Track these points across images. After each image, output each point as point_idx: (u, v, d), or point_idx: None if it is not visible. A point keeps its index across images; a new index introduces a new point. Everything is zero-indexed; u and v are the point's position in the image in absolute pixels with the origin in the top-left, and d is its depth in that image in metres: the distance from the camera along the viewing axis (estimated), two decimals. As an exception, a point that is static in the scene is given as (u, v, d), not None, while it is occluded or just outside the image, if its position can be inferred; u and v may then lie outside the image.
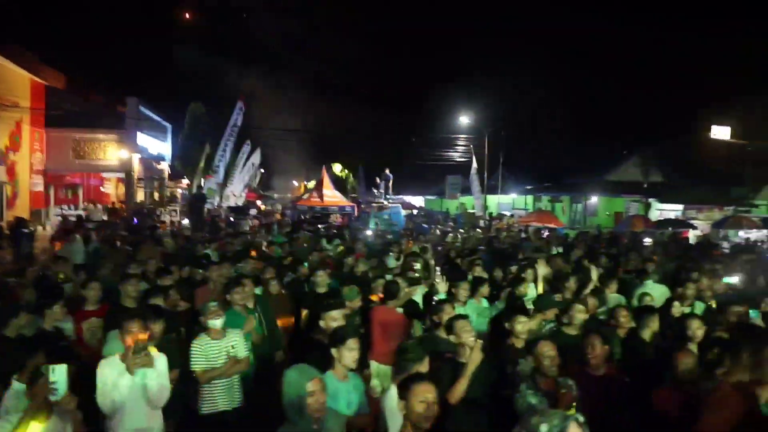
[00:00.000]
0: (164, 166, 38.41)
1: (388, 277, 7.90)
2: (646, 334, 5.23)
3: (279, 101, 44.84)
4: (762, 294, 7.18)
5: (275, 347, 6.52)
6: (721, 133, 31.89)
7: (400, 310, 6.56)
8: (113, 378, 3.90)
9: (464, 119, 34.47)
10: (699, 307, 6.85)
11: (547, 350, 3.94)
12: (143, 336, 4.10)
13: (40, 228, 24.30)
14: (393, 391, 3.84)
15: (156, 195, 36.69)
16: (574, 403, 3.81)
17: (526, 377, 4.09)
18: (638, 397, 4.11)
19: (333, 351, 3.93)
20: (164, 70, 43.71)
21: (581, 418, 2.07)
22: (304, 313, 6.98)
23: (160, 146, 36.61)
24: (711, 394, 3.44)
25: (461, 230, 22.81)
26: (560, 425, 2.02)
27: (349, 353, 3.90)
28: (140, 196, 33.63)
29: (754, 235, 21.50)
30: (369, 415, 4.05)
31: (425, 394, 3.05)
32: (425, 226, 26.37)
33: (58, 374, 3.37)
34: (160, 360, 4.18)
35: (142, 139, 31.68)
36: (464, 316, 4.74)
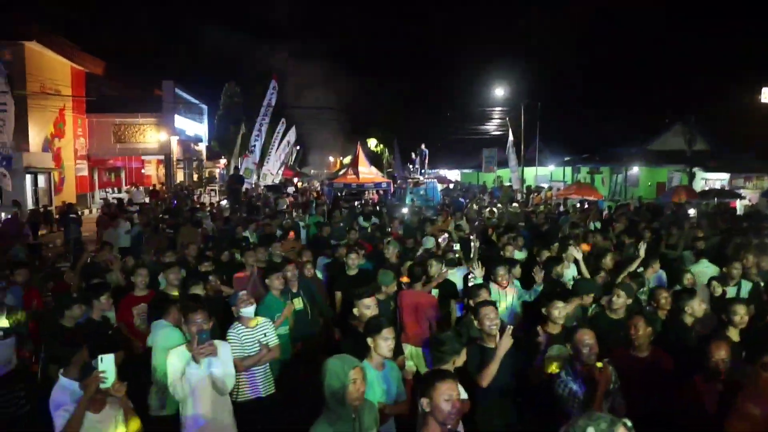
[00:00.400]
0: (202, 147, 39.09)
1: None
2: (686, 317, 5.11)
3: (312, 78, 44.85)
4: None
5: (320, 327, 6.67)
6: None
7: (435, 291, 6.58)
8: (182, 367, 4.02)
9: (499, 91, 33.82)
10: (745, 287, 6.63)
11: (587, 339, 3.88)
12: (207, 326, 4.21)
13: (86, 211, 25.16)
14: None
15: (195, 176, 37.44)
16: (613, 385, 3.78)
17: (562, 363, 4.06)
18: (679, 381, 4.04)
19: (368, 340, 3.94)
20: (198, 51, 44.13)
21: (629, 423, 2.04)
22: (339, 296, 7.06)
23: (197, 127, 37.26)
24: (747, 383, 3.36)
25: (498, 204, 22.58)
26: (608, 429, 1.99)
27: (384, 343, 3.89)
28: (180, 177, 34.38)
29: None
30: (406, 401, 4.09)
31: (449, 392, 2.96)
32: (462, 200, 26.22)
33: (107, 363, 3.50)
34: (225, 348, 4.29)
35: (180, 121, 32.29)
36: (491, 302, 4.69)
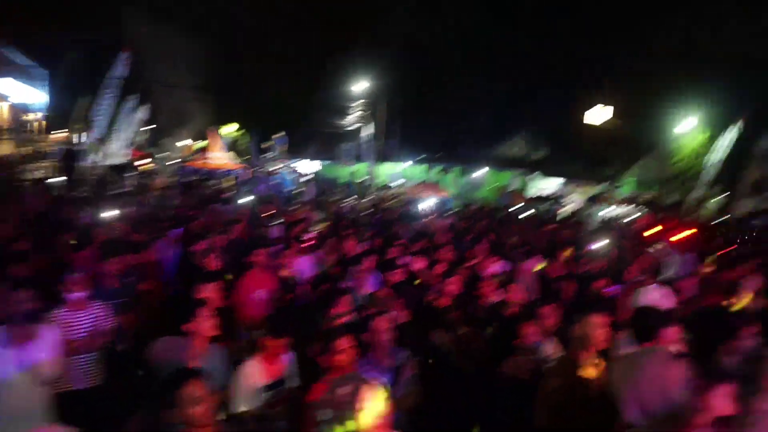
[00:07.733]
0: (38, 117, 35.50)
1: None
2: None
3: (173, 53, 42.44)
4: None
5: None
6: (603, 113, 34.04)
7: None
8: None
9: (362, 85, 34.41)
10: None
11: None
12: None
13: None
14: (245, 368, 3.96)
15: (30, 149, 33.85)
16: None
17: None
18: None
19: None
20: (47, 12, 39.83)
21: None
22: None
23: (33, 94, 33.72)
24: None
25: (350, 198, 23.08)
26: None
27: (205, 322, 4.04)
28: (9, 148, 30.90)
29: (615, 212, 23.24)
30: None
31: (195, 394, 2.71)
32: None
33: None
34: (49, 332, 4.05)
35: (11, 84, 29.05)
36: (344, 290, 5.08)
